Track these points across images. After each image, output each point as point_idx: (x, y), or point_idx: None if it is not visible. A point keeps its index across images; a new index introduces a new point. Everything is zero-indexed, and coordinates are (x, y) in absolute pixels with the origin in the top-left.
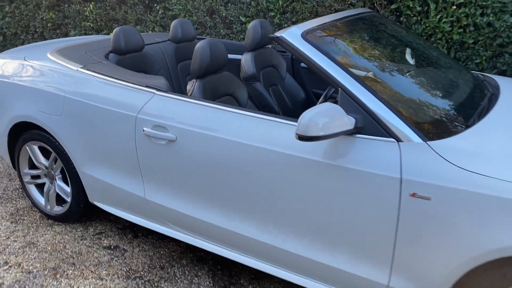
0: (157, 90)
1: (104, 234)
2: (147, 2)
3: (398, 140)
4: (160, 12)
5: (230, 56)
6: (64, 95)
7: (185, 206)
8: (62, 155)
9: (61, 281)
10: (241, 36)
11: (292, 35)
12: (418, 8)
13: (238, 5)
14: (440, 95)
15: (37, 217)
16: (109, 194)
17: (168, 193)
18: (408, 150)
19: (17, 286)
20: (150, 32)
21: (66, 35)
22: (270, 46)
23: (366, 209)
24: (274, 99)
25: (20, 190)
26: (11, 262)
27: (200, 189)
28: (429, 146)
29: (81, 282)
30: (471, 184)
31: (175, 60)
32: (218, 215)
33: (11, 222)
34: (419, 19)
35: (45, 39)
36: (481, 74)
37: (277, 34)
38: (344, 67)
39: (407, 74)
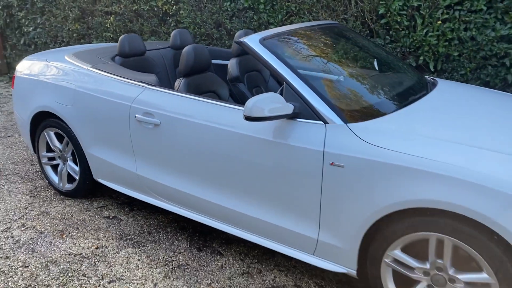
0: (148, 84)
1: (105, 207)
2: (161, 15)
3: (325, 122)
4: (172, 25)
5: (223, 62)
6: (75, 88)
7: (167, 179)
8: (72, 139)
9: (66, 240)
10: None
11: (252, 40)
12: (406, 23)
13: (241, 19)
14: (371, 90)
15: (52, 193)
16: (109, 171)
17: (154, 168)
18: (331, 130)
19: (30, 242)
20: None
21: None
22: None
23: (301, 175)
24: None
25: (39, 173)
26: (28, 225)
27: (179, 164)
28: (348, 127)
29: (81, 241)
30: (373, 155)
31: (174, 65)
32: (193, 185)
33: (30, 196)
34: (407, 33)
35: None
36: (432, 78)
37: (241, 39)
38: (289, 65)
39: (350, 73)
